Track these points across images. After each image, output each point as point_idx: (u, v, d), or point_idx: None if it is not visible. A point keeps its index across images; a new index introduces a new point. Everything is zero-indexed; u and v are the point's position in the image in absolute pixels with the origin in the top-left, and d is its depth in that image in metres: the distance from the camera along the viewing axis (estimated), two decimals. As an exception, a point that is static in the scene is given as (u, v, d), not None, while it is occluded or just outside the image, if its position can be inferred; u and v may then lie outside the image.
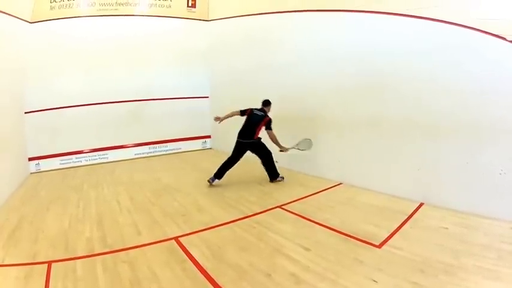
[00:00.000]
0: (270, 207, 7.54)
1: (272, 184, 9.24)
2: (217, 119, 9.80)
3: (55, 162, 12.53)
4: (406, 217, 6.57)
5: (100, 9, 13.10)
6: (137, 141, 14.35)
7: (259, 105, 9.48)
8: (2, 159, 8.79)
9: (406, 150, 7.74)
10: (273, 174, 9.54)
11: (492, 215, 6.16)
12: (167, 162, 13.45)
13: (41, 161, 12.26)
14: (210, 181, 9.32)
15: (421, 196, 7.37)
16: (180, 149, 15.28)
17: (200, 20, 15.30)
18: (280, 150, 9.40)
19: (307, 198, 8.15)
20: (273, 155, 9.55)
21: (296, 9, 10.46)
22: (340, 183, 9.14)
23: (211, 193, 8.80)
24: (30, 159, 12.07)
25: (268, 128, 9.27)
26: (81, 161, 13.09)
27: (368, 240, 5.61)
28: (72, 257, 5.34)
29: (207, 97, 15.99)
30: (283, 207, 7.53)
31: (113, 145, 13.75)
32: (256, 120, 9.38)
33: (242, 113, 9.65)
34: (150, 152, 14.63)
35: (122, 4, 13.49)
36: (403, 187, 7.76)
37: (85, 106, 13.02)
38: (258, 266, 4.92)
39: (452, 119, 6.78)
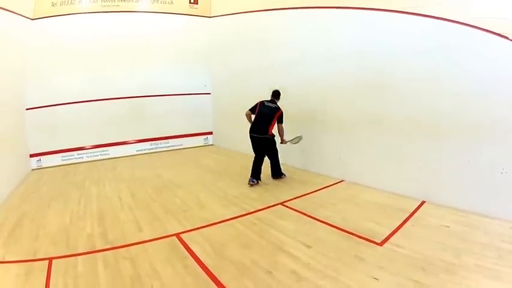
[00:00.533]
0: (272, 204, 7.55)
1: (274, 181, 9.25)
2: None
3: (56, 159, 12.53)
4: (407, 215, 6.58)
5: (102, 6, 13.08)
6: (139, 138, 14.36)
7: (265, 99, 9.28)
8: (3, 156, 8.82)
9: (407, 149, 7.74)
10: (278, 171, 9.50)
11: (493, 214, 6.17)
12: (169, 158, 13.45)
13: (42, 158, 12.27)
14: (250, 182, 9.07)
15: (423, 194, 7.37)
16: (181, 145, 15.29)
17: (202, 16, 15.26)
18: (281, 142, 9.26)
19: (308, 195, 8.16)
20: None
21: (298, 6, 10.44)
22: (342, 181, 9.15)
23: (212, 190, 8.78)
24: (31, 155, 12.08)
25: (280, 121, 9.07)
26: (82, 158, 13.10)
27: (369, 238, 5.62)
28: (73, 253, 5.35)
29: (209, 93, 15.97)
30: (284, 204, 7.55)
31: (114, 141, 13.76)
32: (269, 112, 9.06)
33: (253, 110, 9.34)
34: (152, 149, 14.62)
35: (124, 0, 13.47)
36: (404, 185, 7.77)
37: (86, 102, 13.03)
38: (259, 263, 4.93)
39: (454, 118, 6.78)
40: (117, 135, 13.83)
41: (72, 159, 12.87)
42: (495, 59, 6.16)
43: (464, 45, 6.56)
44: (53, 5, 12.18)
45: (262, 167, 9.20)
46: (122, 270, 4.79)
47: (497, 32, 6.06)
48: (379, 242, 5.48)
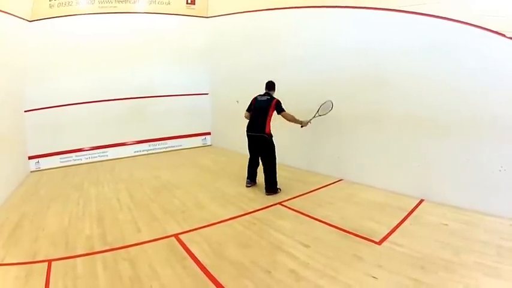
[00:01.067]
0: (270, 203, 7.55)
1: None
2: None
3: (55, 161, 12.52)
4: (406, 214, 6.60)
5: (99, 7, 13.09)
6: (137, 139, 14.35)
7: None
8: (2, 157, 8.80)
9: (406, 147, 7.76)
10: (272, 186, 8.32)
11: (492, 211, 6.18)
12: (167, 159, 13.46)
13: (41, 160, 12.26)
14: (247, 184, 8.88)
15: (421, 193, 7.39)
16: (180, 146, 15.28)
17: (200, 16, 15.27)
18: (302, 126, 8.49)
19: (307, 194, 8.17)
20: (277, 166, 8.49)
21: (296, 6, 10.45)
22: (340, 180, 9.16)
23: (211, 190, 8.78)
24: (30, 157, 12.06)
25: (280, 110, 8.33)
26: (81, 159, 13.09)
27: (368, 237, 5.63)
28: (73, 255, 5.36)
29: (207, 94, 15.97)
30: (283, 203, 7.55)
31: (112, 143, 13.76)
32: (262, 106, 8.39)
33: (249, 109, 8.77)
34: (150, 150, 14.62)
35: (121, 1, 13.48)
36: (403, 184, 7.79)
37: (85, 104, 13.02)
38: (258, 263, 4.94)
39: (452, 115, 6.79)
40: (115, 137, 13.83)
41: (70, 160, 12.86)
42: (493, 57, 6.19)
43: (462, 43, 6.59)
44: (50, 7, 12.19)
45: (257, 170, 8.79)
46: (121, 271, 4.79)
47: (494, 30, 6.08)
48: (377, 240, 5.49)
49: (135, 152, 14.24)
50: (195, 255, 5.22)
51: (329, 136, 9.56)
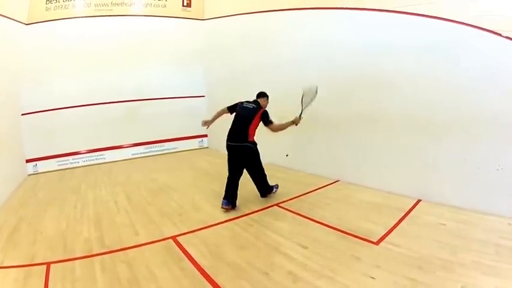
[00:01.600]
0: (267, 205, 7.56)
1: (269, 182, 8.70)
2: (205, 123, 7.99)
3: (52, 164, 12.54)
4: (403, 214, 6.60)
5: (96, 10, 13.10)
6: (134, 142, 14.40)
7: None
8: (0, 161, 8.79)
9: (402, 147, 7.76)
10: (266, 189, 8.03)
11: (490, 210, 6.17)
12: (164, 162, 13.50)
13: (38, 163, 12.28)
14: (223, 206, 7.36)
15: (419, 193, 7.39)
16: (176, 148, 15.33)
17: (196, 19, 15.32)
18: (296, 124, 7.82)
19: (304, 196, 8.17)
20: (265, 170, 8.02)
21: (291, 7, 10.47)
22: (337, 181, 9.16)
23: (208, 192, 8.78)
24: (27, 160, 12.09)
25: (268, 121, 7.56)
26: (78, 162, 13.10)
27: (365, 237, 5.63)
28: (71, 257, 5.36)
29: (203, 96, 16.04)
30: (280, 205, 7.56)
31: (109, 146, 13.80)
32: (247, 114, 7.59)
33: (231, 109, 7.91)
34: (147, 152, 14.67)
35: (117, 4, 13.50)
36: (400, 184, 7.79)
37: (81, 107, 13.04)
38: (255, 264, 4.94)
39: (449, 115, 6.80)
40: (112, 139, 13.88)
41: (68, 163, 12.89)
42: (489, 56, 6.20)
43: (459, 43, 6.59)
44: (47, 10, 12.22)
45: (238, 190, 7.60)
46: (119, 273, 4.80)
47: (491, 30, 6.09)
48: (375, 241, 5.49)
49: (132, 154, 14.28)
50: (193, 257, 5.23)
51: (325, 137, 9.58)
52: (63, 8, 12.48)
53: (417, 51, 7.28)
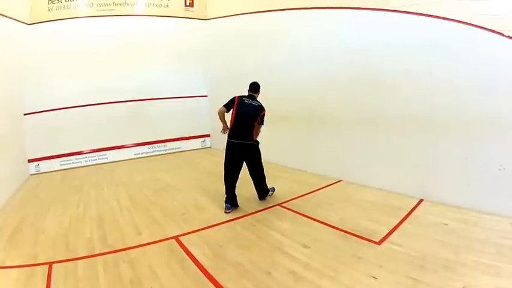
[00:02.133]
0: (269, 205, 7.57)
1: (269, 183, 8.43)
2: (224, 130, 7.65)
3: (55, 164, 12.56)
4: (405, 213, 6.60)
5: (98, 10, 13.11)
6: (136, 141, 14.44)
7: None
8: (2, 161, 8.85)
9: (404, 147, 7.77)
10: (265, 191, 7.99)
11: (492, 210, 6.18)
12: (166, 161, 13.50)
13: (40, 163, 12.30)
14: (226, 210, 7.33)
15: (421, 192, 7.40)
16: (179, 148, 15.36)
17: (198, 19, 15.35)
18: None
19: (306, 195, 8.17)
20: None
21: (293, 7, 10.48)
22: (340, 180, 9.17)
23: (210, 192, 8.78)
24: (30, 160, 12.13)
25: (262, 122, 7.54)
26: (81, 162, 13.12)
27: (367, 237, 5.64)
28: (73, 257, 5.37)
29: (206, 96, 16.09)
30: (282, 205, 7.56)
31: (112, 145, 13.83)
32: (250, 112, 7.38)
33: (228, 107, 7.54)
34: (150, 152, 14.70)
35: (120, 4, 13.52)
36: (402, 183, 7.80)
37: (84, 107, 13.08)
38: (258, 264, 4.95)
39: (451, 114, 6.80)
40: (115, 139, 13.93)
41: (70, 163, 12.90)
42: (491, 56, 6.18)
43: (460, 42, 6.58)
44: (49, 10, 12.23)
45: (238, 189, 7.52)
46: (122, 273, 4.81)
47: (492, 29, 6.08)
48: (377, 241, 5.49)
49: (134, 154, 14.30)
50: (195, 256, 5.23)
51: (327, 137, 9.58)
52: (66, 8, 12.50)
53: (418, 51, 7.27)
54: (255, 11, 12.26)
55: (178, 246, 5.68)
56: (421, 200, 7.24)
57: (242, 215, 7.06)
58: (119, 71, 13.75)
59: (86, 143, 13.30)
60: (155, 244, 5.79)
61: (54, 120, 12.50)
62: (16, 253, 5.59)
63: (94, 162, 13.38)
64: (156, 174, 11.07)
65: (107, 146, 13.70)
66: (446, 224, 5.94)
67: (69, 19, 12.65)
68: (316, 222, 6.45)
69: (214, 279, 4.54)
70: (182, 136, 15.45)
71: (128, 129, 14.20)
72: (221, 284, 4.43)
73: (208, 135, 16.18)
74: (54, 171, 12.36)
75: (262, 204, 7.60)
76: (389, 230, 5.85)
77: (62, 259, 5.30)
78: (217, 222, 6.68)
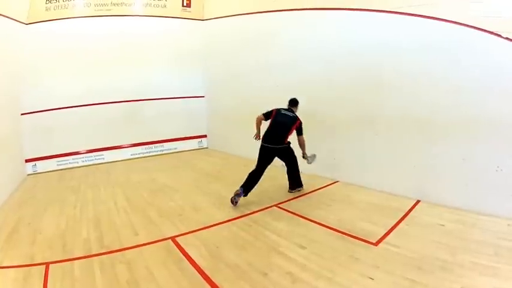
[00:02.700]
0: (266, 205, 7.57)
1: (268, 183, 8.84)
2: (257, 136, 8.27)
3: (52, 164, 12.52)
4: (402, 214, 6.61)
5: (95, 10, 13.09)
6: (133, 142, 14.35)
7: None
8: (0, 161, 8.80)
9: (402, 148, 7.79)
10: (296, 183, 8.59)
11: (489, 211, 6.20)
12: (163, 162, 13.46)
13: (37, 163, 12.26)
14: (238, 196, 7.67)
15: (418, 193, 7.41)
16: (176, 148, 15.27)
17: (195, 19, 15.30)
18: (303, 157, 8.46)
19: (303, 196, 8.20)
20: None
21: (291, 8, 10.48)
22: (337, 181, 9.19)
23: (207, 193, 8.80)
24: (27, 160, 12.06)
25: (300, 132, 8.17)
26: (77, 162, 13.08)
27: (364, 238, 5.64)
28: (70, 258, 5.36)
29: (203, 96, 15.99)
30: (279, 205, 7.57)
31: (109, 146, 13.76)
32: (286, 121, 8.08)
33: (267, 116, 8.22)
34: (146, 152, 14.61)
35: (117, 4, 13.49)
36: (399, 184, 7.81)
37: (81, 107, 13.01)
38: (254, 265, 4.95)
39: (448, 115, 6.82)
40: (112, 140, 13.83)
41: (67, 164, 12.85)
42: (489, 57, 6.23)
43: (458, 43, 6.63)
44: (47, 10, 12.20)
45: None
46: (118, 274, 4.80)
47: (490, 30, 6.11)
48: (374, 241, 5.50)
49: (131, 154, 14.24)
50: (192, 257, 5.23)
51: (325, 138, 9.56)
52: (63, 8, 12.48)
53: (417, 52, 7.30)
54: (252, 11, 12.25)
55: (175, 246, 5.68)
56: (419, 201, 7.27)
57: (239, 215, 7.06)
58: (115, 71, 13.69)
59: (82, 143, 13.23)
60: (152, 245, 5.78)
61: (51, 120, 12.44)
62: (13, 253, 5.58)
63: (91, 163, 13.32)
64: (153, 175, 11.04)
65: (103, 146, 13.63)
66: (443, 225, 5.96)
67: (67, 19, 12.62)
68: (313, 223, 6.46)
69: (211, 280, 4.53)
70: (179, 137, 15.37)
71: (125, 130, 14.13)
72: (218, 284, 4.43)
73: (205, 136, 16.09)
74: (51, 171, 12.31)
75: (259, 205, 7.59)
76: (386, 231, 5.87)
77: (59, 259, 5.29)
78: (214, 223, 6.67)
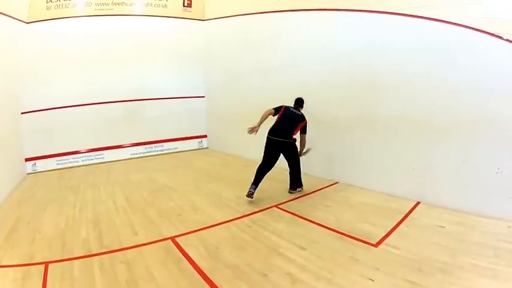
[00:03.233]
0: (266, 206, 7.55)
1: (268, 183, 8.70)
2: (252, 130, 8.05)
3: (51, 163, 12.52)
4: (402, 216, 6.60)
5: (96, 9, 13.09)
6: (133, 141, 14.36)
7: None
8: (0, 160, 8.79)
9: (402, 149, 7.79)
10: (296, 183, 8.63)
11: (489, 213, 6.19)
12: (163, 162, 13.47)
13: (37, 162, 12.25)
14: (250, 194, 7.86)
15: (418, 195, 7.40)
16: (176, 148, 15.29)
17: (196, 19, 15.32)
18: (299, 154, 8.62)
19: (303, 197, 8.18)
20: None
21: (291, 9, 10.47)
22: (336, 182, 9.18)
23: (207, 193, 8.79)
24: (26, 159, 12.07)
25: (304, 131, 8.37)
26: (77, 161, 13.08)
27: (364, 239, 5.63)
28: (69, 257, 5.35)
29: (203, 96, 16.01)
30: (279, 206, 7.55)
31: (109, 145, 13.77)
32: (295, 118, 8.27)
33: (276, 111, 8.37)
34: (146, 152, 14.64)
35: (118, 4, 13.49)
36: (399, 186, 7.81)
37: (81, 106, 13.01)
38: (254, 266, 4.94)
39: (448, 117, 6.82)
40: (111, 139, 13.85)
41: (67, 163, 12.86)
42: (489, 59, 6.22)
43: (458, 45, 6.61)
44: (47, 9, 12.19)
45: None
46: (118, 274, 4.79)
47: (490, 32, 6.10)
48: (374, 243, 5.50)
49: (131, 154, 14.25)
50: (192, 257, 5.22)
51: (324, 139, 9.57)
52: (64, 7, 12.47)
53: (416, 53, 7.30)
54: (252, 12, 12.26)
55: (174, 247, 5.67)
56: (418, 203, 7.25)
57: (238, 216, 7.05)
58: (116, 70, 13.73)
59: (82, 143, 13.24)
60: (151, 245, 5.77)
61: (51, 119, 12.46)
62: (12, 252, 5.57)
63: (91, 162, 13.33)
64: (153, 175, 11.05)
65: (103, 146, 13.65)
66: (443, 227, 5.95)
67: (68, 18, 12.62)
68: (313, 224, 6.45)
69: (211, 281, 4.52)
70: (179, 137, 15.40)
71: (125, 129, 14.14)
72: (217, 285, 4.42)
73: (205, 136, 16.13)
74: (51, 170, 12.31)
75: (258, 206, 7.58)
76: (386, 233, 5.86)
77: (58, 259, 5.28)
78: (214, 223, 6.66)
